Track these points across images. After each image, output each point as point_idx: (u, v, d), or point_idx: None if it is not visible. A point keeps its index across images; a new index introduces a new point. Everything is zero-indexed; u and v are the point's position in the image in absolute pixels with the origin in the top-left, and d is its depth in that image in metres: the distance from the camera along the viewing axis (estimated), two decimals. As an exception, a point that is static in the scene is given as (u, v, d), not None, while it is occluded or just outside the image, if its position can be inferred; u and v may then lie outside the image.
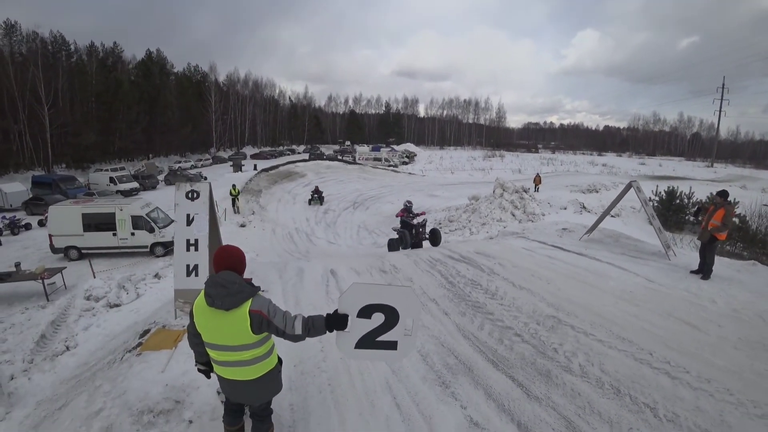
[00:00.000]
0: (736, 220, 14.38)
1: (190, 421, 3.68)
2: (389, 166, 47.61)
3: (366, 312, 2.73)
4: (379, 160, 48.95)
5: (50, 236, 14.18)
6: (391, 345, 2.79)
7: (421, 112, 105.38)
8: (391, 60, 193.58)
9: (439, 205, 24.13)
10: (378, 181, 37.16)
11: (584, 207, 20.46)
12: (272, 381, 2.91)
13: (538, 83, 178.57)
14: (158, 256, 14.45)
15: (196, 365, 3.07)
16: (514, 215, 17.47)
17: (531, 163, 58.89)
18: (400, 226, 13.18)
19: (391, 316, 2.75)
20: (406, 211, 13.12)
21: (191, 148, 57.64)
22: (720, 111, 71.05)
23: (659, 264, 7.88)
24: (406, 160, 57.33)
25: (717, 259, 7.28)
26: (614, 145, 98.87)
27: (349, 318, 2.72)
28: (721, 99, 70.44)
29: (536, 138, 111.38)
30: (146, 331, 5.79)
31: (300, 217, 23.14)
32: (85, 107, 42.16)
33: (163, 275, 11.18)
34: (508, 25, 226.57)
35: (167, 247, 14.19)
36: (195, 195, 6.17)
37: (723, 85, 70.28)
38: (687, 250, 11.10)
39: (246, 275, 2.75)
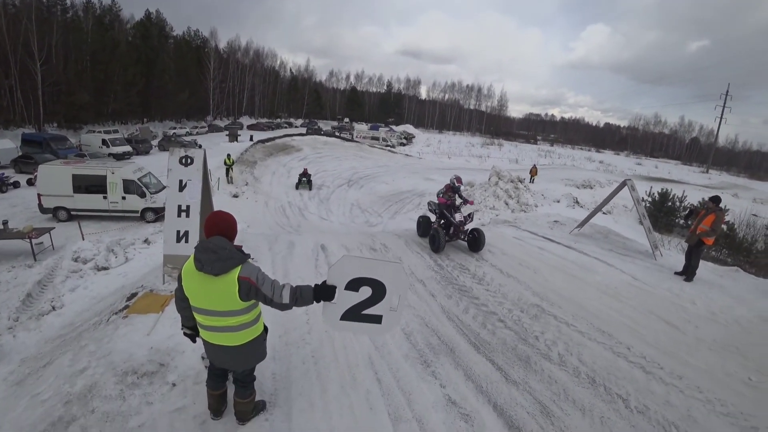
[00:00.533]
0: (724, 227, 14.62)
1: (174, 384, 3.73)
2: (387, 146, 47.29)
3: (354, 285, 2.78)
4: (377, 139, 48.58)
5: (39, 196, 13.98)
6: (376, 319, 2.85)
7: (423, 94, 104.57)
8: (396, 39, 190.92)
9: (434, 189, 24.05)
10: (374, 160, 36.96)
11: (577, 201, 20.61)
12: (257, 348, 2.95)
13: (542, 74, 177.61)
14: (149, 222, 14.35)
15: (182, 329, 3.10)
16: (507, 204, 17.55)
17: (529, 154, 58.84)
18: (434, 209, 8.99)
19: (379, 291, 2.80)
20: (453, 191, 8.75)
21: (187, 115, 56.71)
22: (721, 118, 71.08)
23: (645, 263, 8.01)
24: (404, 141, 56.94)
25: (702, 263, 7.42)
26: (613, 143, 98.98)
27: (337, 290, 2.76)
28: (723, 106, 70.40)
29: (536, 129, 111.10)
30: (133, 295, 5.81)
31: (293, 191, 23.04)
32: (79, 66, 41.03)
33: (153, 241, 11.13)
34: (519, 12, 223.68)
35: (158, 213, 14.09)
36: (189, 161, 6.13)
37: (727, 92, 70.14)
38: (674, 251, 11.30)
39: (236, 244, 2.76)
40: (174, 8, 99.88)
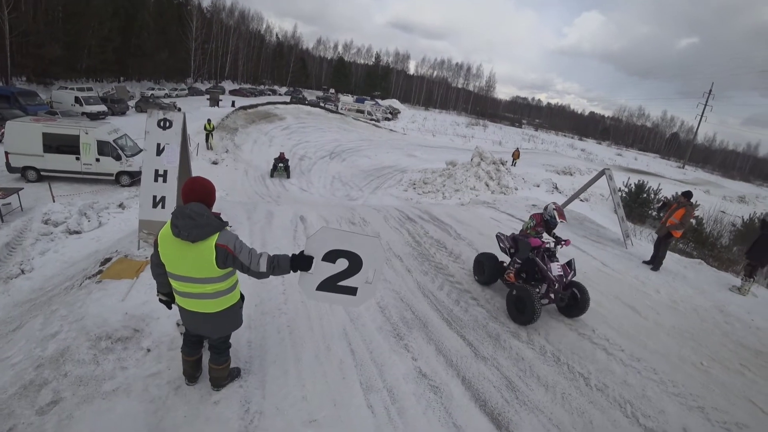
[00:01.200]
0: (693, 221, 15.16)
1: (149, 350, 3.75)
2: (371, 120, 46.82)
3: (331, 256, 2.82)
4: (362, 112, 47.98)
5: (6, 153, 13.37)
6: (351, 291, 2.92)
7: (411, 69, 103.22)
8: (389, 10, 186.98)
9: (416, 166, 24.15)
10: (358, 133, 36.64)
11: (556, 187, 20.96)
12: (232, 316, 2.98)
13: (533, 58, 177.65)
14: (124, 186, 13.99)
15: (157, 295, 3.10)
16: (488, 186, 17.75)
17: (513, 137, 59.19)
18: (509, 247, 5.82)
19: (355, 264, 2.86)
20: (545, 226, 5.70)
21: (166, 76, 54.54)
22: (702, 116, 72.38)
23: (616, 251, 8.31)
24: (389, 116, 56.42)
25: (669, 254, 7.72)
26: (596, 132, 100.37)
27: (314, 260, 2.80)
28: (705, 104, 71.64)
29: (522, 113, 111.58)
30: (107, 260, 5.72)
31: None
32: (50, 16, 38.69)
33: (128, 205, 10.89)
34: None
35: (134, 177, 13.73)
36: (167, 124, 5.97)
37: (710, 91, 71.22)
38: (644, 241, 11.67)
39: (215, 212, 2.74)
40: None
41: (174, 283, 2.79)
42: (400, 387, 3.62)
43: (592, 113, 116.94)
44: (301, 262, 2.78)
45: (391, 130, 44.51)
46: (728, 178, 65.95)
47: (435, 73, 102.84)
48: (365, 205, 14.03)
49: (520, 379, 3.91)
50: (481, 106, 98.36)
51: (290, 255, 2.79)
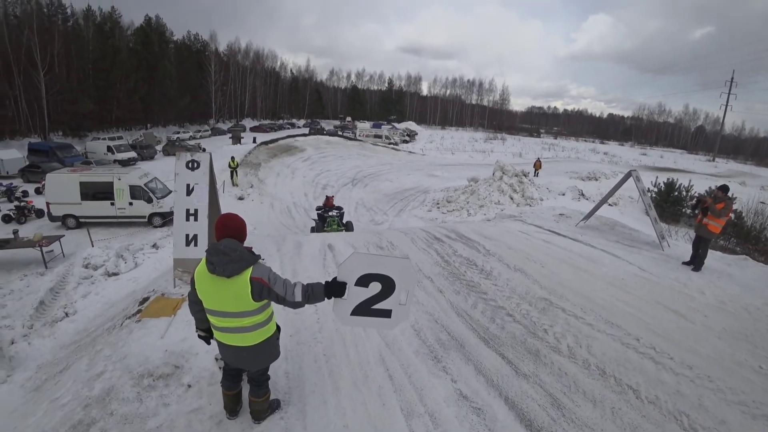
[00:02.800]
0: (732, 215, 14.49)
1: (189, 386, 3.80)
2: (389, 143, 47.38)
3: (364, 281, 2.84)
4: (380, 137, 48.67)
5: (47, 204, 14.17)
6: (386, 313, 2.92)
7: (424, 90, 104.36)
8: (397, 35, 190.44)
9: (438, 186, 24.17)
10: (377, 158, 37.04)
11: (582, 194, 20.55)
12: (270, 348, 3.00)
13: (544, 67, 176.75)
14: (156, 227, 14.49)
15: (196, 331, 3.16)
16: (512, 199, 17.54)
17: (532, 147, 58.64)
18: None
19: (388, 286, 2.86)
20: None
21: (190, 119, 56.97)
22: (726, 105, 70.47)
23: (652, 254, 8.00)
24: (407, 138, 57.00)
25: (710, 252, 7.38)
26: (617, 134, 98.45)
27: (348, 286, 2.82)
28: (729, 93, 69.78)
29: (539, 122, 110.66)
30: (145, 299, 5.89)
31: (298, 192, 23.16)
32: (81, 74, 41.31)
33: (161, 245, 11.24)
34: (519, 3, 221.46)
35: (165, 218, 14.22)
36: (195, 165, 6.19)
37: (732, 78, 69.52)
38: (681, 241, 11.26)
39: (247, 246, 2.81)
40: (173, 13, 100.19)
41: (212, 319, 2.85)
42: (442, 411, 3.54)
43: (611, 115, 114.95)
44: (334, 289, 2.80)
45: (410, 152, 44.87)
46: (764, 166, 63.15)
47: (448, 92, 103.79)
48: (391, 228, 14.07)
49: (566, 396, 3.76)
50: (497, 119, 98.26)
51: (323, 282, 2.82)
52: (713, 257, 7.64)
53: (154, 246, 11.28)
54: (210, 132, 50.55)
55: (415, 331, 4.82)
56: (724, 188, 7.30)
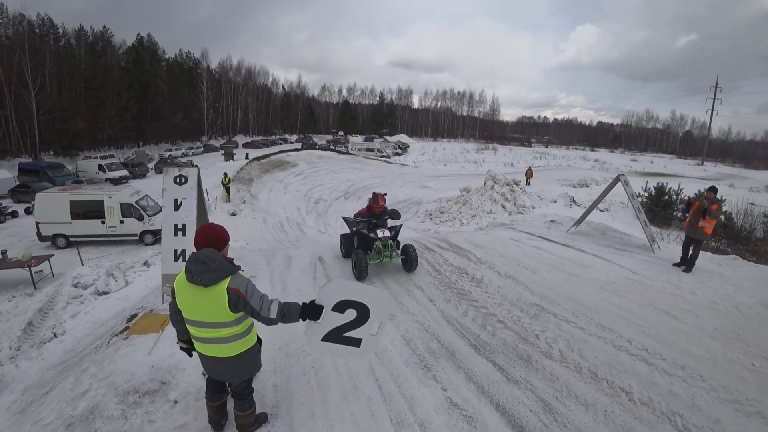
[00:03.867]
0: (722, 217, 14.73)
1: (176, 401, 3.73)
2: (381, 156, 47.49)
3: (340, 307, 2.83)
4: (372, 150, 48.80)
5: (37, 224, 14.02)
6: (356, 342, 2.91)
7: (416, 103, 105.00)
8: (387, 50, 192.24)
9: (431, 197, 24.22)
10: (370, 171, 37.11)
11: (574, 201, 20.66)
12: (250, 359, 2.96)
13: (534, 77, 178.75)
14: (147, 244, 14.38)
15: (178, 343, 3.12)
16: (504, 207, 17.59)
17: (524, 156, 59.04)
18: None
19: (363, 315, 2.86)
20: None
21: (182, 137, 56.91)
22: (712, 110, 71.75)
23: (643, 257, 8.02)
24: (399, 151, 57.17)
25: (700, 253, 7.41)
26: (607, 141, 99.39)
27: (324, 310, 2.81)
28: (714, 98, 71.07)
29: (530, 132, 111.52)
30: (133, 316, 5.81)
31: (291, 206, 23.08)
32: (73, 93, 41.34)
33: (153, 263, 11.13)
34: (509, 16, 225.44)
35: (157, 235, 14.11)
36: (183, 180, 6.16)
37: (716, 84, 70.87)
38: (672, 244, 11.30)
39: (236, 263, 2.81)
40: (165, 31, 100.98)
41: (192, 329, 2.82)
42: (432, 420, 3.49)
43: (600, 123, 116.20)
44: (311, 311, 2.79)
45: (402, 164, 45.03)
46: (751, 168, 63.94)
47: (439, 104, 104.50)
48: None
49: (558, 401, 3.72)
50: (489, 130, 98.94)
51: (301, 303, 2.81)
52: (704, 258, 7.66)
53: (146, 264, 11.17)
54: (202, 149, 50.53)
55: (405, 341, 4.78)
56: (714, 189, 7.37)
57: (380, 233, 6.81)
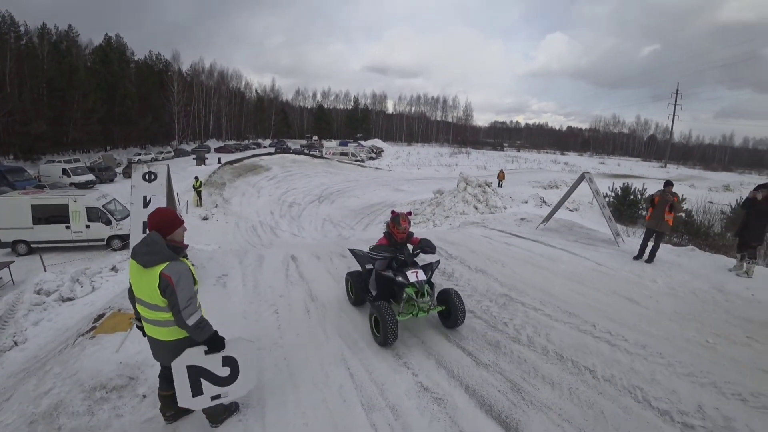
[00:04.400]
0: (682, 215, 15.51)
1: (144, 396, 3.68)
2: (356, 160, 47.59)
3: (227, 360, 3.10)
4: (346, 155, 48.88)
5: (-5, 230, 13.41)
6: (215, 396, 3.12)
7: (390, 108, 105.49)
8: (363, 55, 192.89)
9: (405, 199, 24.42)
10: (344, 175, 37.11)
11: (544, 201, 21.17)
12: (182, 349, 2.94)
13: (506, 83, 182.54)
14: (115, 249, 13.94)
15: (133, 320, 3.17)
16: (476, 208, 17.88)
17: (496, 160, 60.13)
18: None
19: (230, 379, 3.15)
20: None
21: (152, 141, 55.37)
22: (674, 115, 75.08)
23: (608, 250, 8.34)
24: (374, 155, 57.40)
25: (660, 246, 7.75)
26: (576, 145, 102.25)
27: (220, 352, 3.04)
28: (675, 104, 74.38)
29: (502, 136, 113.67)
30: (101, 316, 5.66)
31: (264, 211, 22.84)
32: (35, 94, 39.57)
33: (121, 268, 10.80)
34: (481, 24, 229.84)
35: (125, 240, 13.70)
36: (152, 177, 6.08)
37: (677, 91, 74.25)
38: (636, 239, 11.71)
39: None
40: (134, 32, 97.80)
41: (138, 307, 2.91)
42: (403, 403, 3.55)
43: (569, 128, 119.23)
44: (216, 343, 2.97)
45: (376, 168, 45.23)
46: (710, 170, 67.23)
47: (413, 109, 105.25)
48: (355, 238, 14.06)
49: (525, 381, 3.84)
50: (462, 135, 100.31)
51: (214, 330, 2.97)
52: (664, 250, 8.01)
53: (113, 269, 10.83)
54: (173, 153, 49.34)
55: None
56: (671, 183, 7.73)
57: (412, 276, 4.67)
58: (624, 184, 21.01)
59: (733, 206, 17.10)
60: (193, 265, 3.04)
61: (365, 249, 5.66)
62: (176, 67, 63.62)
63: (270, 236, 18.12)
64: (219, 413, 3.24)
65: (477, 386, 3.76)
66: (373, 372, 3.99)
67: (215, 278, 6.65)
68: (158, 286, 2.67)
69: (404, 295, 4.67)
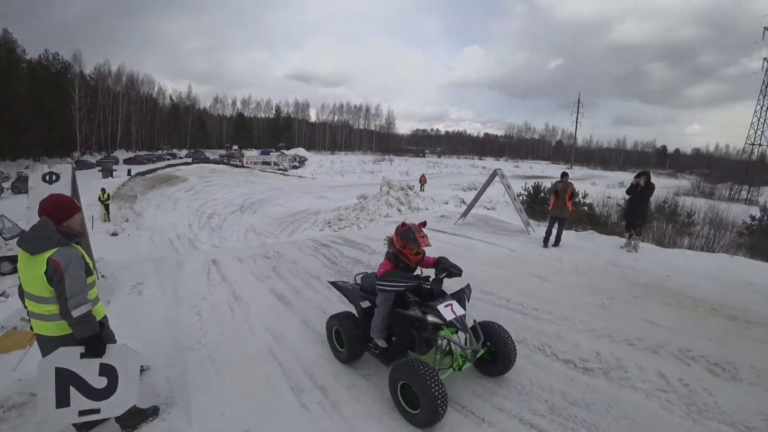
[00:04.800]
0: (585, 208, 17.40)
1: (48, 409, 3.36)
2: (279, 169, 46.76)
3: (104, 368, 2.66)
4: (269, 164, 47.90)
5: None
6: (92, 412, 2.71)
7: (313, 117, 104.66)
8: (285, 63, 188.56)
9: (329, 206, 24.46)
10: (266, 184, 36.28)
11: (464, 201, 22.34)
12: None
13: (427, 93, 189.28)
14: (5, 273, 12.39)
15: (23, 319, 2.91)
16: (400, 210, 18.43)
17: (418, 166, 62.14)
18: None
19: (108, 390, 2.69)
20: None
21: (48, 151, 49.44)
22: (576, 122, 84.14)
23: (521, 238, 9.13)
24: (297, 164, 56.74)
25: (565, 232, 8.63)
26: (493, 151, 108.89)
27: (101, 357, 2.64)
28: (578, 112, 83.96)
29: (424, 144, 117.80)
30: (-9, 337, 5.04)
31: (182, 223, 21.60)
32: None
33: (12, 293, 9.61)
34: (402, 35, 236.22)
35: (15, 262, 12.24)
36: (54, 178, 5.59)
37: (579, 100, 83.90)
38: (545, 227, 12.87)
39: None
40: (28, 28, 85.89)
41: (26, 302, 2.68)
42: (332, 384, 3.64)
43: (486, 134, 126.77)
44: (96, 344, 2.60)
45: (299, 176, 44.81)
46: (608, 170, 75.56)
47: (336, 118, 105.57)
48: (280, 242, 13.84)
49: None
50: (385, 142, 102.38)
51: (98, 331, 2.64)
52: (568, 235, 8.91)
53: (3, 294, 9.63)
54: (74, 166, 44.78)
55: (303, 323, 4.91)
56: (567, 174, 8.67)
57: (447, 312, 3.32)
58: (535, 183, 22.86)
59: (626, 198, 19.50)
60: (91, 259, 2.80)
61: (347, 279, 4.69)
62: (77, 69, 57.43)
63: (189, 249, 17.19)
64: (128, 416, 2.98)
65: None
66: (301, 360, 4.02)
67: (130, 287, 6.24)
68: (45, 273, 2.45)
69: (439, 341, 3.33)
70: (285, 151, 68.15)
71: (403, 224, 3.79)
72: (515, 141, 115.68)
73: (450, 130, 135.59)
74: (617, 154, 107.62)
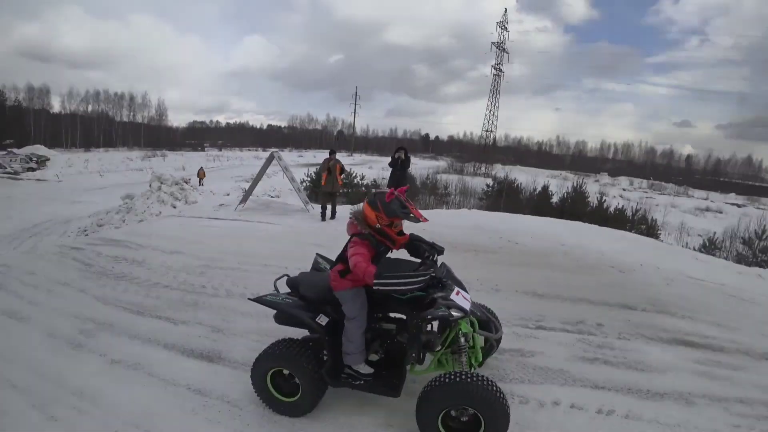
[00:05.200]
0: (363, 188, 19.52)
1: None
2: (5, 173, 36.59)
3: None
4: (-15, 167, 36.93)
5: None
6: None
7: (57, 106, 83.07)
8: (12, 35, 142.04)
9: (85, 212, 20.49)
10: (-14, 194, 27.94)
11: (245, 192, 22.00)
12: None
13: (205, 82, 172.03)
14: None
15: None
16: (175, 207, 16.82)
17: (197, 160, 57.15)
18: None
19: None
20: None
21: None
22: (355, 113, 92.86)
23: (301, 216, 9.75)
24: (34, 165, 45.33)
25: (342, 207, 9.55)
26: (277, 142, 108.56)
27: None
28: (356, 104, 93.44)
29: (203, 137, 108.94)
30: None
31: None
32: None
33: None
34: (176, 18, 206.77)
35: None
36: None
37: (356, 93, 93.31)
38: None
39: None
40: None
41: None
42: (90, 383, 3.29)
43: (270, 126, 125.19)
44: None
45: (39, 180, 36.05)
46: (384, 156, 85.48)
47: (91, 108, 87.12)
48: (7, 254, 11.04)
49: (225, 321, 4.26)
50: (156, 136, 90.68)
51: None
52: (342, 209, 9.73)
53: None
54: None
55: (47, 335, 4.13)
56: (335, 152, 9.49)
57: (462, 301, 2.69)
58: (317, 169, 24.20)
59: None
60: None
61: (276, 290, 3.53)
62: None
63: None
64: None
65: (177, 341, 3.88)
66: (44, 373, 3.45)
67: None
68: None
69: (462, 340, 2.72)
70: (15, 150, 53.30)
71: (389, 194, 2.79)
72: (299, 132, 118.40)
73: (231, 122, 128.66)
74: (390, 142, 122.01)
